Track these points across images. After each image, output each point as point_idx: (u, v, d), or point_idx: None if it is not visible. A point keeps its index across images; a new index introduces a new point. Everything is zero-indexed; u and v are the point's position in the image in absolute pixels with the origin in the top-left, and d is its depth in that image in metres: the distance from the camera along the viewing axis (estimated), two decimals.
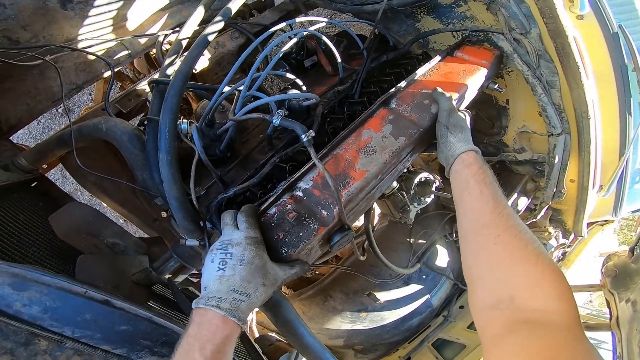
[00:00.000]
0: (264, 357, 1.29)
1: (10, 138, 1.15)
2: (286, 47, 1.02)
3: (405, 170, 1.24)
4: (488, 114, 1.46)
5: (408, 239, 1.68)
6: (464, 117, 0.94)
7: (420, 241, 1.70)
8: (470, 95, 1.12)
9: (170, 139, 0.78)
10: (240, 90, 0.94)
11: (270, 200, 0.81)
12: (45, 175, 1.18)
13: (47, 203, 1.08)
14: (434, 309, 1.83)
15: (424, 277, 1.77)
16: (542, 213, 1.60)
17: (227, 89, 0.95)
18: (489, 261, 0.69)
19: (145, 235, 1.43)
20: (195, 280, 1.57)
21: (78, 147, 1.00)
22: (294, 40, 1.02)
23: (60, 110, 2.06)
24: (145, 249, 1.09)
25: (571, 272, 1.84)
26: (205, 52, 1.25)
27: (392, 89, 1.03)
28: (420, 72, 1.11)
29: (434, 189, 1.22)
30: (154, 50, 1.25)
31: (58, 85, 1.08)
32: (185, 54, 0.94)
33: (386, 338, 1.79)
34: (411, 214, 1.22)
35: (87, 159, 1.10)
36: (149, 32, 1.24)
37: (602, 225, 1.96)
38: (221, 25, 0.99)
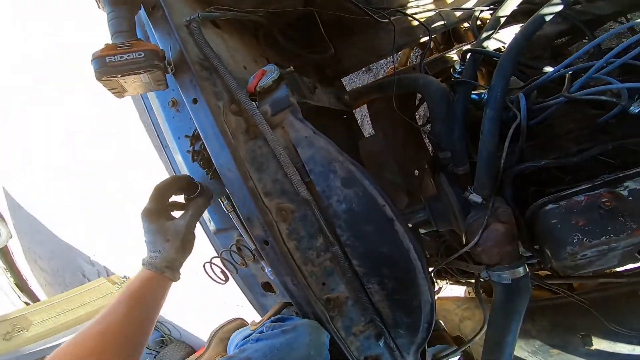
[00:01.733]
0: None
1: None
2: None
3: None
4: None
5: None
6: None
7: None
8: None
9: (500, 99, 0.82)
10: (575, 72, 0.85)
11: (582, 187, 0.73)
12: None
13: (348, 132, 1.31)
14: None
15: None
16: None
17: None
18: None
19: None
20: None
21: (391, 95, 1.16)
22: None
23: (364, 68, 2.49)
24: (406, 193, 1.19)
25: None
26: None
27: None
28: None
29: None
30: (464, 25, 1.29)
31: (385, 44, 1.25)
32: (520, 27, 0.91)
33: None
34: None
35: (385, 106, 1.25)
36: (465, 6, 1.28)
37: None
38: (559, 7, 0.91)
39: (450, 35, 1.45)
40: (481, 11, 1.26)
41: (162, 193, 0.84)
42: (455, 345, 1.36)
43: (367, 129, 2.47)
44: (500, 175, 0.84)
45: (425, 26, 1.23)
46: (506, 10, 1.13)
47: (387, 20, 1.16)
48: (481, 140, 0.81)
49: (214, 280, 0.99)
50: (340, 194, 0.80)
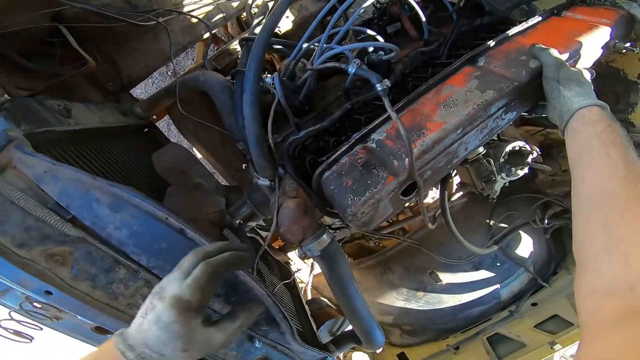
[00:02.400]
0: (311, 318, 1.30)
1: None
2: (367, 4, 0.97)
3: (496, 138, 1.10)
4: (613, 89, 1.22)
5: (488, 221, 1.50)
6: (579, 71, 0.78)
7: (501, 225, 1.52)
8: (590, 54, 0.93)
9: (254, 82, 0.82)
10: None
11: (343, 149, 0.80)
12: (155, 124, 1.33)
13: (154, 146, 1.22)
14: (500, 301, 1.64)
15: (499, 264, 1.58)
16: None
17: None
18: (611, 238, 0.57)
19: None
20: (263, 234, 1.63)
21: (181, 97, 1.10)
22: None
23: (169, 72, 2.34)
24: (224, 193, 1.16)
25: None
26: (289, 14, 1.28)
27: (480, 47, 0.91)
28: (515, 30, 0.96)
29: (529, 160, 1.05)
30: (245, 14, 1.31)
31: (168, 46, 1.18)
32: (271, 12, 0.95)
33: (439, 323, 1.67)
34: (496, 186, 1.08)
35: (188, 109, 1.20)
36: None
37: None
38: None
39: (244, 26, 1.47)
40: None
41: (213, 280, 0.59)
42: (342, 316, 1.42)
43: None
44: (276, 154, 0.87)
45: (204, 22, 1.20)
46: None
47: (155, 23, 1.09)
48: (245, 126, 0.81)
49: (15, 341, 0.86)
50: (114, 220, 0.73)
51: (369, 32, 1.01)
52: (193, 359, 0.59)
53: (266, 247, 1.55)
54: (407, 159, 0.73)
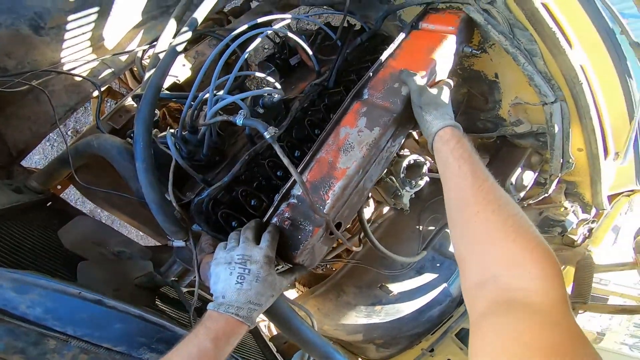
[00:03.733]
0: (277, 355, 1.34)
1: (29, 164, 1.27)
2: (251, 47, 1.06)
3: (395, 155, 1.25)
4: (480, 90, 1.44)
5: (418, 227, 1.67)
6: (437, 93, 0.95)
7: (430, 228, 1.69)
8: (445, 65, 1.09)
9: (145, 147, 0.85)
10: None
11: (271, 211, 0.90)
12: (60, 195, 1.29)
13: (63, 220, 1.18)
14: (454, 298, 1.81)
15: (438, 265, 1.76)
16: (553, 186, 1.55)
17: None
18: (471, 240, 0.71)
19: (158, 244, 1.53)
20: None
21: (80, 165, 1.09)
22: (258, 40, 1.05)
23: (69, 132, 2.22)
24: (150, 255, 1.17)
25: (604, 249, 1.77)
26: (186, 62, 1.32)
27: (362, 79, 1.04)
28: (386, 54, 1.09)
29: (425, 170, 1.22)
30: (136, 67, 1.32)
31: (53, 108, 1.16)
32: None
33: (406, 330, 1.81)
34: (404, 199, 1.23)
35: (93, 176, 1.19)
36: (127, 49, 1.31)
37: (629, 195, 1.86)
38: (189, 35, 1.02)
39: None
40: (144, 51, 1.31)
41: (277, 240, 0.83)
42: None
43: None
44: (185, 215, 0.91)
45: (89, 79, 1.20)
46: (162, 46, 1.21)
47: (28, 86, 1.07)
48: (144, 194, 0.84)
49: None
50: (24, 301, 0.75)
51: (258, 74, 1.09)
52: (272, 302, 0.80)
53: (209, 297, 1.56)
54: (326, 209, 0.85)
